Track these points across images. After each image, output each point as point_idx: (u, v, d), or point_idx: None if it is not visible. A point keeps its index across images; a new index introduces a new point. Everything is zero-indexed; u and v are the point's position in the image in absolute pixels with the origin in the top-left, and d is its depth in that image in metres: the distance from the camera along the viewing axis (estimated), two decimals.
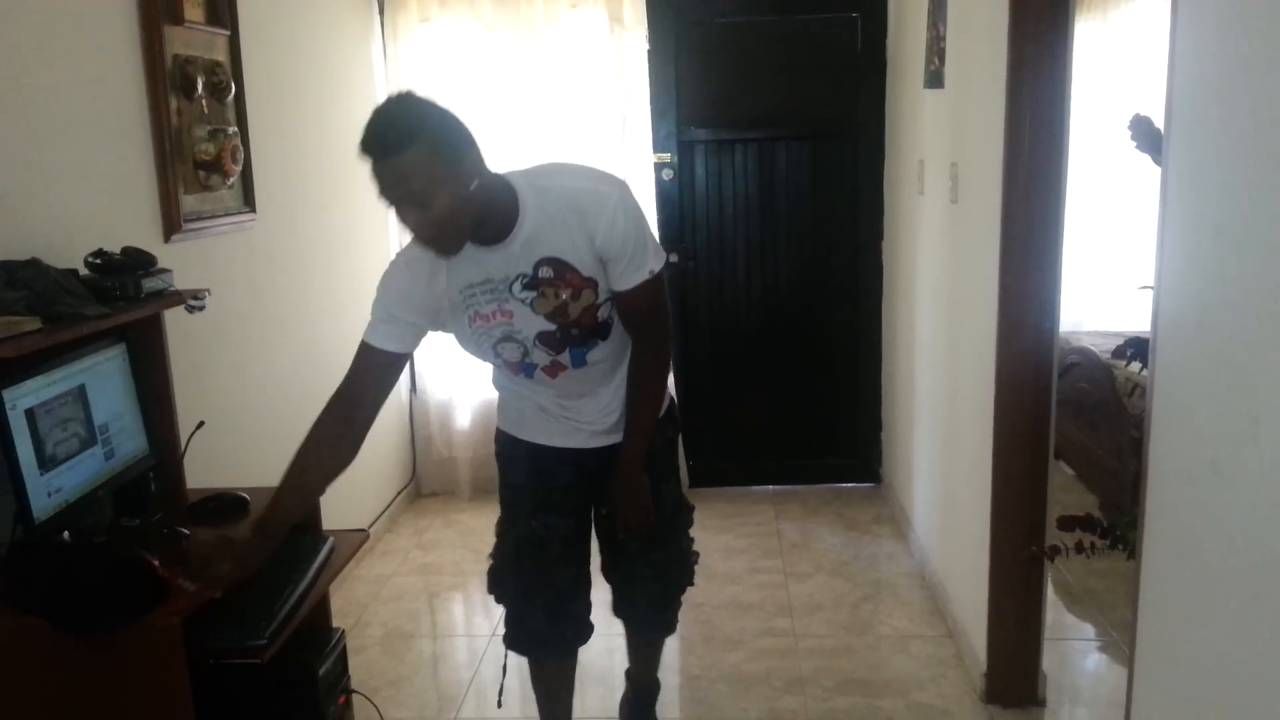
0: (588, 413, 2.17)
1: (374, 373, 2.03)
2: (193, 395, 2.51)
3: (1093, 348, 4.09)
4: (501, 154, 4.20)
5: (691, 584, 2.44)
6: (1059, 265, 2.47)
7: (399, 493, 4.33)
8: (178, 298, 2.23)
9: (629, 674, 2.67)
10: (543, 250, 1.90)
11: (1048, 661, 2.77)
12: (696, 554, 2.44)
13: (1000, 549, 2.62)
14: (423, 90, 1.88)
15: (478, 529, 4.13)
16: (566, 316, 1.96)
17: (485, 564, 3.72)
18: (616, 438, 2.18)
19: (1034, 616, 2.66)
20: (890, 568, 3.65)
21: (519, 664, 2.47)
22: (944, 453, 3.28)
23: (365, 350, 2.02)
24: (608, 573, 2.40)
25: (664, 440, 2.28)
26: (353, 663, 2.60)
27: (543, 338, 1.99)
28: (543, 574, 2.25)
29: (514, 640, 2.34)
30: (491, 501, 4.32)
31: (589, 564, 2.33)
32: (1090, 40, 4.90)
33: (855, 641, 3.10)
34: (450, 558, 3.86)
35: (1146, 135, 2.59)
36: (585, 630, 2.35)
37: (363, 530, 2.35)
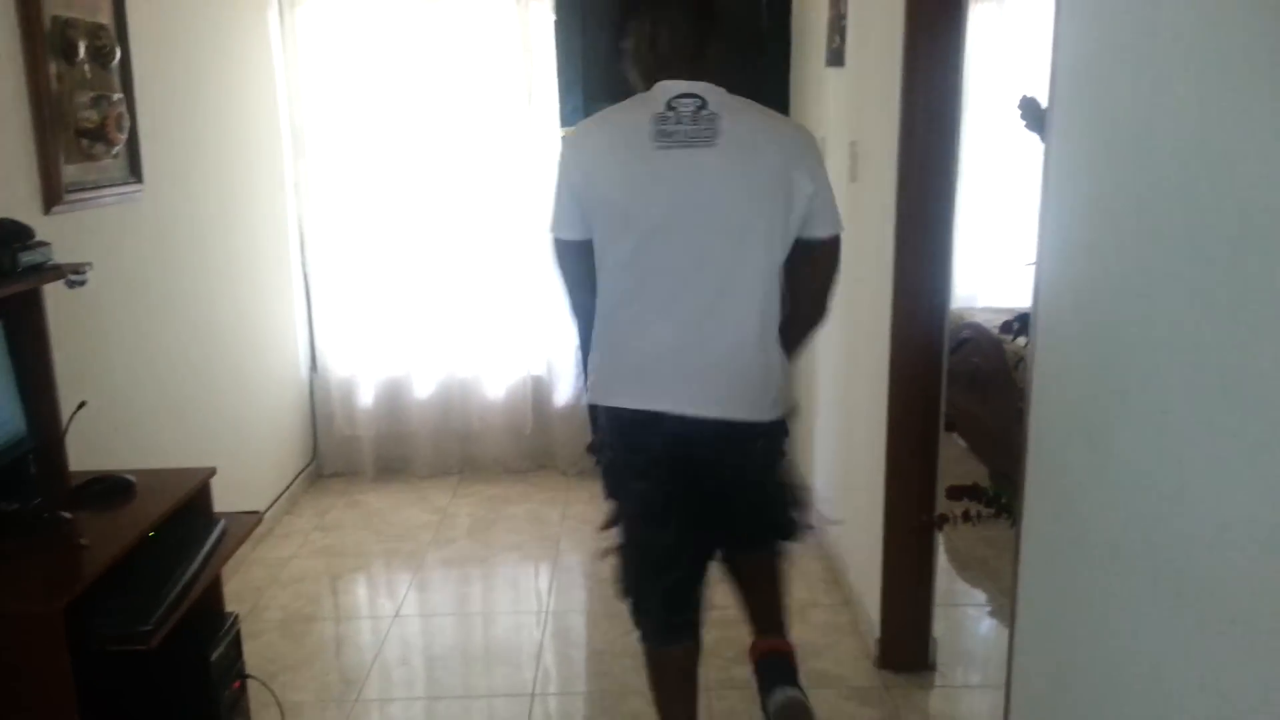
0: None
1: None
2: (75, 374, 2.41)
3: (984, 323, 4.23)
4: (403, 126, 4.13)
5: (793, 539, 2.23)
6: (951, 242, 2.55)
7: (299, 473, 4.24)
8: (57, 272, 2.14)
9: (753, 648, 2.33)
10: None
11: (940, 627, 2.87)
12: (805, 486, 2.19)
13: (893, 518, 2.70)
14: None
15: (382, 509, 4.08)
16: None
17: (389, 544, 3.69)
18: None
19: (925, 584, 2.75)
20: None
21: None
22: (842, 425, 3.36)
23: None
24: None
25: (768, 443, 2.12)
26: (249, 648, 2.55)
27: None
28: (669, 569, 2.11)
29: (654, 632, 2.19)
30: (395, 483, 4.34)
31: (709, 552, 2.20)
32: (987, 23, 5.03)
33: None
34: (353, 539, 3.80)
35: (1034, 116, 2.68)
36: (699, 614, 2.21)
37: (255, 512, 2.31)
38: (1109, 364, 1.42)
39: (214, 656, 2.10)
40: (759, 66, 4.19)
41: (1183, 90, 1.23)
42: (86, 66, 2.60)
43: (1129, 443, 1.37)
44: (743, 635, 2.99)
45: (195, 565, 1.93)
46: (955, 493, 2.66)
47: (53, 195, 2.45)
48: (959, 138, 2.49)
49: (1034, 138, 2.53)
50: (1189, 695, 1.23)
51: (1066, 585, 1.60)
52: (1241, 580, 1.11)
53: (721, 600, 2.37)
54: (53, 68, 2.46)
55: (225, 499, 2.43)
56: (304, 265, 4.26)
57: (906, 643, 2.79)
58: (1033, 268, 1.69)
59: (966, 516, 2.59)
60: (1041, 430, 1.67)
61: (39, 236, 2.13)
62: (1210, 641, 1.17)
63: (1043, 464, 1.68)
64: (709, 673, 2.74)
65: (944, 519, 2.61)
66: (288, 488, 4.08)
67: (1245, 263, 1.10)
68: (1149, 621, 1.31)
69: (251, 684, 2.39)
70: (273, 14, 4.00)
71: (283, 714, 2.50)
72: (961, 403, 4.20)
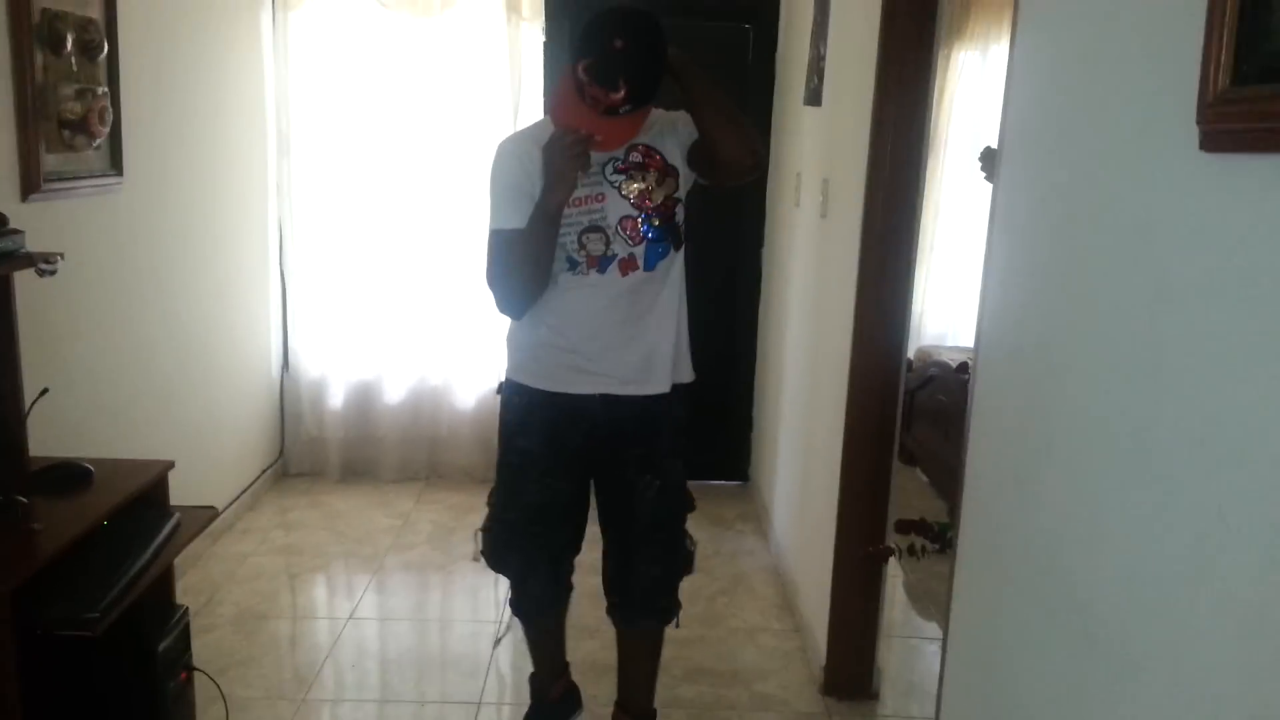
0: (639, 344, 2.23)
1: None
2: (40, 361, 2.43)
3: (951, 361, 4.30)
4: (389, 135, 4.18)
5: (690, 572, 2.47)
6: (910, 280, 2.61)
7: (264, 471, 4.26)
8: (28, 260, 2.15)
9: (619, 705, 2.61)
10: (641, 139, 2.18)
11: (890, 658, 2.92)
12: (695, 543, 2.48)
13: (843, 548, 2.75)
14: None
15: (344, 511, 4.10)
16: (648, 202, 2.18)
17: (349, 546, 3.71)
18: (639, 390, 2.26)
19: (871, 614, 2.79)
20: (749, 563, 3.77)
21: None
22: (802, 454, 3.41)
23: (507, 237, 2.17)
24: (608, 561, 2.46)
25: (674, 419, 2.34)
26: (201, 642, 2.57)
27: (624, 224, 2.17)
28: (545, 540, 2.37)
29: (519, 606, 2.48)
30: (360, 486, 4.36)
31: (584, 523, 2.44)
32: (970, 71, 5.13)
33: (707, 633, 3.21)
34: (313, 539, 3.82)
35: (995, 167, 2.76)
36: (569, 585, 2.52)
37: (211, 508, 2.33)
38: (1037, 414, 1.48)
39: (161, 648, 2.12)
40: (745, 102, 4.27)
41: (1109, 160, 1.29)
42: (73, 59, 2.64)
43: (1052, 490, 1.43)
44: (693, 655, 3.04)
45: (146, 556, 1.95)
46: (904, 527, 2.71)
47: (31, 184, 2.48)
48: (923, 180, 2.56)
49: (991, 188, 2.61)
50: None
51: (993, 622, 1.65)
52: (1149, 628, 1.17)
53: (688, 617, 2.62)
54: (39, 59, 2.50)
55: (187, 492, 2.46)
56: (282, 265, 4.29)
57: (851, 671, 2.84)
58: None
59: (912, 550, 2.64)
60: (976, 472, 1.73)
61: (14, 224, 2.15)
62: (1122, 688, 1.22)
63: (977, 504, 1.74)
64: (608, 690, 2.78)
65: (890, 551, 2.66)
66: (251, 485, 4.10)
67: (1160, 326, 1.16)
68: (1065, 663, 1.36)
69: (199, 678, 2.41)
70: (265, 16, 4.05)
71: (228, 709, 2.51)
72: (926, 439, 4.27)
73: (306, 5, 4.08)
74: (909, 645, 3.30)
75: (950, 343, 5.04)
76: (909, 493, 3.08)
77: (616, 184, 2.17)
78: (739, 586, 3.57)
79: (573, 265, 2.19)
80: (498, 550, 2.43)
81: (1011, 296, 1.60)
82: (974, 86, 5.12)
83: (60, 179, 2.62)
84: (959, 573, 1.81)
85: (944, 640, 1.88)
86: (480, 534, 2.47)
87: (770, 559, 3.78)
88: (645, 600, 2.43)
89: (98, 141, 2.75)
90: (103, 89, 2.75)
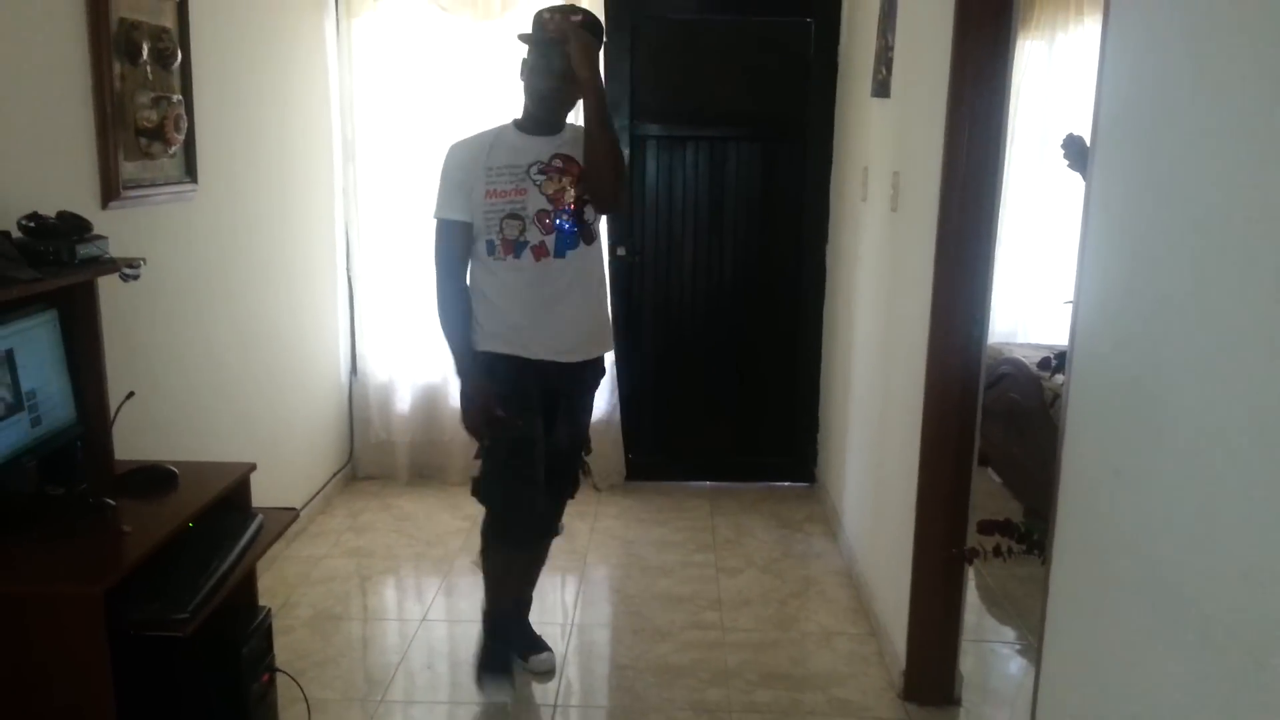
0: (557, 320, 2.65)
1: (462, 240, 2.65)
2: (124, 365, 2.48)
3: (1024, 359, 4.20)
4: (451, 135, 4.18)
5: (573, 497, 2.93)
6: (990, 276, 2.54)
7: (334, 474, 4.30)
8: (112, 265, 2.20)
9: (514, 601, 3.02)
10: (565, 149, 2.64)
11: (966, 662, 2.85)
12: (585, 466, 2.92)
13: (922, 550, 2.69)
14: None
15: (414, 514, 4.12)
16: (562, 201, 2.61)
17: (419, 548, 3.75)
18: (578, 357, 2.71)
19: (953, 618, 2.73)
20: (819, 566, 3.72)
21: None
22: (874, 455, 3.35)
23: (449, 226, 2.64)
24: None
25: (596, 381, 2.85)
26: (279, 642, 2.59)
27: (539, 216, 2.61)
28: (529, 470, 2.68)
29: (514, 535, 2.77)
30: (428, 488, 4.38)
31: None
32: (1036, 60, 5.02)
33: (781, 636, 3.16)
34: (383, 541, 3.85)
35: (1078, 154, 2.68)
36: (552, 519, 2.89)
37: (292, 509, 2.34)
38: (1144, 404, 1.42)
39: (245, 648, 2.13)
40: (806, 96, 4.23)
41: (1227, 133, 1.23)
42: (149, 67, 2.68)
43: (1160, 483, 1.37)
44: (767, 659, 3.00)
45: (232, 557, 1.97)
46: (987, 528, 2.64)
47: (111, 191, 2.53)
48: (1001, 173, 2.49)
49: (1076, 176, 2.53)
50: None
51: (1094, 625, 1.59)
52: (1267, 625, 1.11)
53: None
54: (117, 68, 2.54)
55: (262, 495, 2.48)
56: (349, 270, 4.34)
57: (932, 676, 2.77)
58: (1070, 305, 1.70)
59: (998, 552, 2.57)
60: (1074, 467, 1.67)
61: (96, 230, 2.19)
62: (1236, 686, 1.16)
63: (1074, 501, 1.68)
64: (681, 694, 2.84)
65: (974, 553, 2.60)
66: (323, 488, 4.14)
67: None
68: (1174, 664, 1.31)
69: (280, 678, 2.42)
70: (330, 24, 4.09)
71: (309, 709, 2.53)
72: (997, 438, 4.17)
73: (369, 12, 4.11)
74: (987, 650, 3.22)
75: (1021, 339, 4.93)
76: (980, 493, 3.00)
77: (538, 183, 2.61)
78: (810, 589, 3.52)
79: (490, 249, 2.62)
80: (485, 486, 2.72)
81: (1112, 285, 1.54)
82: (1041, 76, 5.00)
83: (138, 186, 2.66)
84: (1054, 574, 1.75)
85: (1039, 645, 1.82)
86: (472, 479, 2.78)
87: (842, 561, 3.72)
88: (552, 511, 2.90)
89: (173, 149, 2.79)
90: (177, 97, 2.79)
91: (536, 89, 2.60)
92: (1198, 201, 1.29)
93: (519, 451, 2.65)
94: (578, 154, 2.62)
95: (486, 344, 2.67)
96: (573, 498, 2.92)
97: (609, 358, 3.33)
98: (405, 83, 4.19)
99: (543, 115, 2.63)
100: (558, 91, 2.59)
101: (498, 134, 2.65)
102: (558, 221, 2.61)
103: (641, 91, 4.26)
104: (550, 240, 2.61)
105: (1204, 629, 1.24)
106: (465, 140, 2.69)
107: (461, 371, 2.68)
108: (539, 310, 2.63)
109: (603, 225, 2.81)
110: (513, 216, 2.59)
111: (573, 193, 2.62)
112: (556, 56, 2.53)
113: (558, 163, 2.62)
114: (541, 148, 2.63)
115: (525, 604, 3.03)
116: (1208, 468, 1.25)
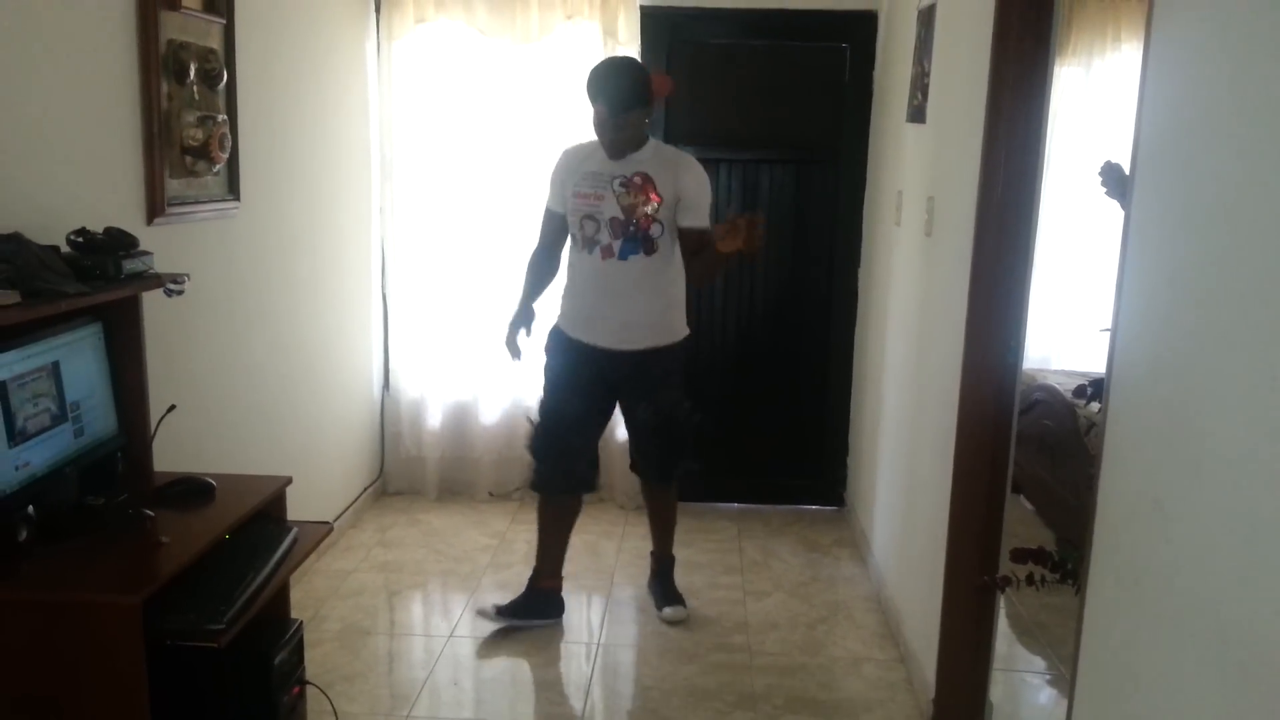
0: (619, 312, 3.13)
1: (556, 226, 3.24)
2: (165, 378, 2.52)
3: (1058, 386, 4.16)
4: (489, 159, 4.25)
5: (689, 449, 3.43)
6: (1025, 302, 2.53)
7: (365, 489, 4.33)
8: (157, 280, 2.24)
9: (652, 554, 3.59)
10: (644, 167, 3.09)
11: (996, 691, 2.81)
12: (696, 420, 3.40)
13: (954, 577, 2.66)
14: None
15: (442, 530, 4.14)
16: (634, 213, 3.08)
17: (447, 565, 3.80)
18: (634, 345, 3.17)
19: (984, 646, 2.70)
20: (848, 590, 3.69)
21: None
22: (905, 480, 3.33)
23: (548, 213, 3.27)
24: (634, 453, 3.44)
25: (658, 363, 3.23)
26: (308, 655, 2.61)
27: (612, 222, 3.09)
28: (561, 437, 3.23)
29: (543, 484, 3.32)
30: (456, 504, 4.41)
31: (595, 439, 3.34)
32: (1072, 87, 5.00)
33: (808, 661, 3.14)
34: (412, 557, 3.87)
35: (1116, 182, 2.66)
36: (589, 480, 3.38)
37: (326, 523, 2.37)
38: (1183, 434, 1.41)
39: (277, 660, 2.15)
40: (841, 120, 4.24)
41: (1270, 162, 1.23)
42: (195, 87, 2.74)
43: (1200, 516, 1.35)
44: (794, 684, 2.98)
45: (267, 570, 1.99)
46: (1020, 555, 2.61)
47: (156, 207, 2.58)
48: (1038, 199, 2.48)
49: (1114, 204, 2.51)
50: None
51: (1128, 657, 1.57)
52: None
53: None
54: (164, 87, 2.60)
55: (295, 508, 2.50)
56: (384, 287, 4.38)
57: (961, 704, 2.74)
58: (1107, 333, 1.68)
59: (1030, 580, 2.54)
60: (1110, 497, 1.66)
61: (141, 246, 2.23)
62: None
63: (1110, 531, 1.66)
64: (706, 717, 2.84)
65: (1007, 581, 2.57)
66: (354, 502, 4.17)
67: None
68: (1212, 702, 1.29)
69: (310, 691, 2.44)
70: (370, 44, 4.16)
71: None
72: (1030, 466, 4.13)
73: (409, 35, 4.18)
74: (1017, 679, 3.18)
75: (1055, 367, 4.88)
76: (1012, 520, 2.98)
77: (618, 194, 3.08)
78: (838, 614, 3.50)
79: (574, 242, 3.18)
80: (534, 438, 3.28)
81: (1152, 313, 1.53)
82: (1078, 102, 4.98)
83: (182, 203, 2.71)
84: (1089, 605, 1.73)
85: (1071, 676, 1.80)
86: (529, 435, 3.34)
87: (870, 586, 3.70)
88: (651, 470, 3.45)
89: (217, 167, 2.84)
90: (222, 116, 2.85)
91: (605, 144, 3.09)
92: (1239, 230, 1.28)
93: (559, 422, 3.22)
94: (655, 173, 3.07)
95: (561, 321, 3.24)
96: (694, 472, 3.48)
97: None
98: (443, 104, 4.24)
99: (615, 155, 3.10)
100: (619, 146, 3.07)
101: (595, 146, 3.13)
102: (627, 230, 3.07)
103: (677, 114, 4.29)
104: (617, 245, 3.09)
105: (1245, 665, 1.22)
106: (573, 146, 3.23)
107: (516, 311, 3.31)
108: (602, 302, 3.13)
109: (666, 238, 3.16)
110: (590, 218, 3.10)
111: (645, 211, 3.07)
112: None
113: (638, 180, 3.07)
114: (623, 166, 3.09)
115: (664, 559, 3.54)
116: (1250, 500, 1.23)
